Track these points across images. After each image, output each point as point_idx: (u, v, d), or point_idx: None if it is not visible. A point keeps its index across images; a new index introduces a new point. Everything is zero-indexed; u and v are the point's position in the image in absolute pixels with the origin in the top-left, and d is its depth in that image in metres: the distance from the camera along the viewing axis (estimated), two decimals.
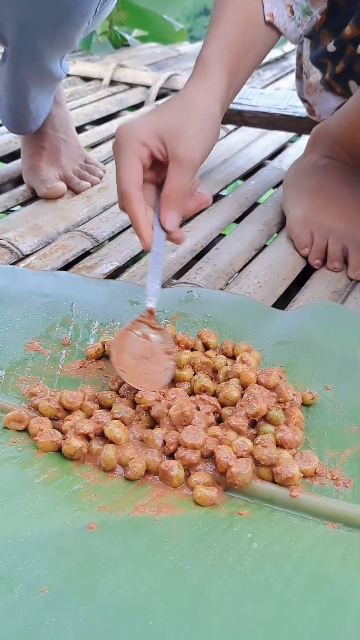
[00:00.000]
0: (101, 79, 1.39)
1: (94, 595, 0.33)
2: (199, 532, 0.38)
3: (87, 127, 1.17)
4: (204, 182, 0.95)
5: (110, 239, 0.81)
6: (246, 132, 1.13)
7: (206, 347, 0.54)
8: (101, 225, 0.82)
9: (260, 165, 1.04)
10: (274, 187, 0.96)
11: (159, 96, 1.32)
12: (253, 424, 0.46)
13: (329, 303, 0.65)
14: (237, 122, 1.04)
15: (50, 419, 0.46)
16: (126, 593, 0.34)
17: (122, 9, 1.71)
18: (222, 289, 0.70)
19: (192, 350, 0.54)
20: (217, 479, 0.43)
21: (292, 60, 1.67)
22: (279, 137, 1.12)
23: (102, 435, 0.45)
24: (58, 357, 0.54)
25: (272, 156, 1.08)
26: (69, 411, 0.47)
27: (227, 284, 0.72)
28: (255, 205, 0.91)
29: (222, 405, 0.48)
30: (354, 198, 0.77)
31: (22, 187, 0.91)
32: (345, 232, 0.74)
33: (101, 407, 0.48)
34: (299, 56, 0.88)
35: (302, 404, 0.50)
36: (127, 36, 1.81)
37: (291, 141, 1.13)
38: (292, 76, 1.49)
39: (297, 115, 0.97)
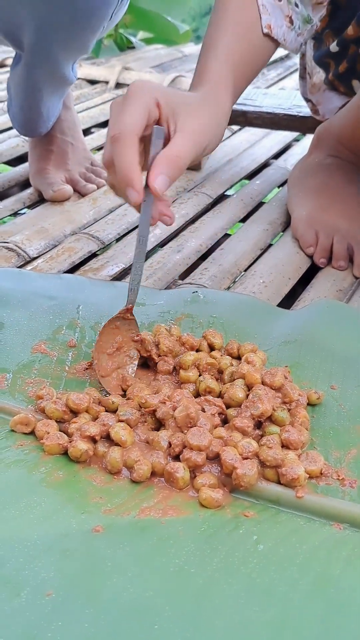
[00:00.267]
0: (107, 82, 1.40)
1: (99, 599, 0.34)
2: (204, 534, 0.38)
3: (93, 130, 1.18)
4: (209, 182, 0.95)
5: (116, 241, 0.81)
6: (251, 132, 1.13)
7: (211, 348, 0.54)
8: (107, 227, 0.82)
9: (265, 165, 1.04)
10: (278, 187, 0.96)
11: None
12: (258, 424, 0.46)
13: (334, 302, 0.65)
14: (241, 123, 1.04)
15: (56, 421, 0.47)
16: (131, 596, 0.34)
17: (127, 11, 1.72)
18: (227, 289, 0.70)
19: (197, 351, 0.54)
20: (222, 480, 0.43)
21: (296, 59, 1.66)
22: (283, 136, 1.12)
23: (108, 438, 0.45)
24: (64, 359, 0.54)
25: (277, 155, 1.08)
26: (75, 413, 0.47)
27: (232, 284, 0.72)
28: (260, 204, 0.91)
29: (228, 406, 0.48)
30: (359, 197, 0.77)
31: (29, 190, 0.91)
32: (350, 230, 0.74)
33: (106, 410, 0.48)
34: (302, 56, 0.88)
35: (308, 404, 0.50)
36: (132, 38, 1.81)
37: (296, 140, 1.13)
38: (297, 75, 1.49)
39: (301, 114, 0.97)
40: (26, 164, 0.95)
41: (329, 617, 0.33)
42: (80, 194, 0.90)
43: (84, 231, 0.81)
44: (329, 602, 0.34)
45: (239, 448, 0.43)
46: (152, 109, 0.48)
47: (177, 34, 1.81)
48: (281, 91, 1.14)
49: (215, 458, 0.43)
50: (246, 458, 0.43)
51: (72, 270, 0.74)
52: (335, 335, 0.58)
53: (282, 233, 0.83)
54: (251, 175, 1.00)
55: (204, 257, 0.78)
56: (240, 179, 0.98)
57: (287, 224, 0.84)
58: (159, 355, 0.52)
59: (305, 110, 0.97)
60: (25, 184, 0.95)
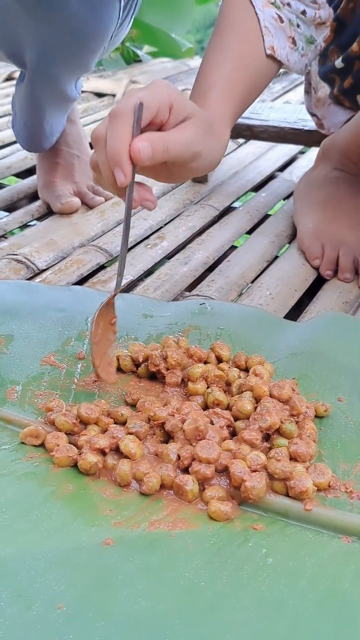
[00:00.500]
0: (114, 95, 1.41)
1: (110, 612, 0.34)
2: (213, 547, 0.39)
3: None
4: (215, 195, 0.96)
5: None
6: (256, 145, 1.14)
7: (219, 360, 0.55)
8: (115, 239, 0.83)
9: (270, 177, 1.05)
10: (284, 199, 0.96)
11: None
12: (266, 437, 0.46)
13: (341, 314, 0.65)
14: (247, 137, 1.05)
15: (66, 434, 0.47)
16: (142, 610, 0.34)
17: (133, 26, 1.75)
18: (234, 301, 0.70)
19: (205, 363, 0.54)
20: (231, 493, 0.43)
21: None
22: (289, 149, 1.12)
23: (117, 450, 0.45)
24: (73, 371, 0.55)
25: (282, 168, 1.08)
26: (85, 424, 0.47)
27: (239, 296, 0.72)
28: (266, 217, 0.91)
29: (236, 419, 0.48)
30: None
31: (37, 203, 0.92)
32: (356, 243, 0.74)
33: (115, 422, 0.49)
34: (308, 72, 0.89)
35: (315, 416, 0.50)
36: (138, 52, 1.83)
37: (301, 152, 1.14)
38: (302, 88, 1.50)
39: (306, 128, 0.98)
40: (34, 177, 0.96)
41: (339, 631, 0.33)
42: (88, 206, 0.91)
43: (92, 243, 0.82)
44: (338, 616, 0.34)
45: (247, 461, 0.43)
46: (163, 109, 0.46)
47: (180, 50, 1.84)
48: (287, 105, 1.15)
49: (224, 471, 0.44)
50: (255, 471, 0.43)
51: (81, 282, 0.74)
52: (342, 347, 0.58)
53: (288, 245, 0.83)
54: (257, 188, 1.01)
55: (210, 269, 0.78)
56: (246, 192, 0.99)
57: (293, 236, 0.84)
58: (167, 369, 0.53)
59: (310, 124, 0.98)
60: (34, 197, 0.96)
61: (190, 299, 0.68)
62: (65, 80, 0.77)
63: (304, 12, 0.60)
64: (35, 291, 0.66)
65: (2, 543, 0.38)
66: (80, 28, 0.68)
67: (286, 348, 0.58)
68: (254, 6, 0.58)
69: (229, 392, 0.52)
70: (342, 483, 0.44)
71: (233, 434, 0.48)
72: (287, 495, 0.43)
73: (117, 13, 0.70)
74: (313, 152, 1.08)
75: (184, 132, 0.48)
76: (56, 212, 0.88)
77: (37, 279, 0.74)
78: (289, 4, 0.60)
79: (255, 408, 0.47)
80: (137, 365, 0.55)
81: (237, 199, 0.97)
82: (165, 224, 0.88)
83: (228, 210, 0.94)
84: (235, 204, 0.96)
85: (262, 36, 0.58)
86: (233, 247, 0.84)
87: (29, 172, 1.04)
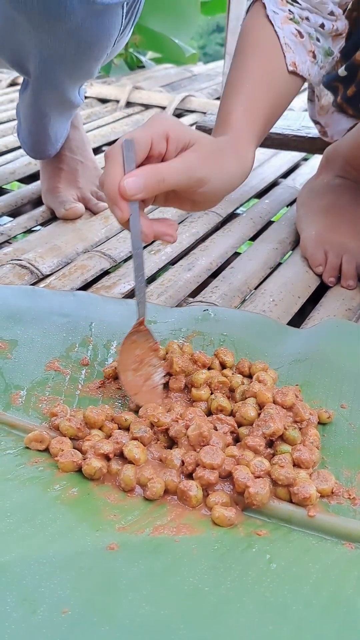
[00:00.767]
0: (117, 101, 1.42)
1: (115, 617, 0.34)
2: (217, 552, 0.39)
3: (104, 149, 1.20)
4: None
5: (128, 258, 0.82)
6: (259, 152, 1.14)
7: (223, 366, 0.55)
8: (119, 245, 0.83)
9: (273, 184, 1.05)
10: (287, 206, 0.97)
11: (175, 117, 1.35)
12: (270, 443, 0.47)
13: (344, 321, 0.65)
14: None
15: (70, 439, 0.47)
16: (146, 614, 0.34)
17: (137, 32, 1.76)
18: (237, 308, 0.71)
19: (209, 369, 0.54)
20: (235, 499, 0.43)
21: None
22: (292, 156, 1.13)
23: (121, 456, 0.46)
24: (77, 377, 0.55)
25: (285, 175, 1.09)
26: (91, 426, 0.48)
27: (242, 302, 0.73)
28: (269, 223, 0.92)
29: (239, 425, 0.48)
30: None
31: (41, 208, 0.93)
32: (359, 250, 0.75)
33: (119, 427, 0.49)
34: None
35: (319, 423, 0.50)
36: (142, 58, 1.85)
37: (304, 159, 1.15)
38: (304, 95, 1.51)
39: (309, 136, 0.99)
40: (38, 182, 0.97)
41: (342, 637, 0.33)
42: (92, 212, 0.91)
43: (96, 249, 0.82)
44: (342, 622, 0.34)
45: (251, 467, 0.43)
46: (158, 140, 0.47)
47: (184, 56, 1.85)
48: (290, 112, 1.16)
49: (228, 476, 0.44)
50: (258, 477, 0.43)
51: (85, 287, 0.75)
52: (345, 354, 0.58)
53: (291, 252, 0.84)
54: (260, 194, 1.02)
55: (214, 275, 0.79)
56: (250, 198, 1.00)
57: (296, 243, 0.85)
58: (171, 375, 0.53)
59: (313, 131, 0.98)
60: (38, 202, 0.96)
61: (194, 305, 0.69)
62: (69, 87, 0.78)
63: (322, 25, 0.61)
64: (40, 296, 0.67)
65: (7, 547, 0.38)
66: (84, 38, 0.69)
67: (289, 355, 0.58)
68: (272, 24, 0.58)
69: (232, 398, 0.52)
70: (345, 489, 0.44)
71: (237, 440, 0.48)
72: (291, 501, 0.43)
73: (120, 20, 0.71)
74: (316, 160, 1.08)
75: (181, 160, 0.48)
76: (60, 217, 0.89)
77: (41, 285, 0.74)
78: (307, 18, 0.60)
79: (259, 414, 0.48)
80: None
81: (241, 205, 0.97)
82: None
83: (231, 216, 0.94)
84: (239, 211, 0.97)
85: (283, 53, 0.58)
86: (236, 254, 0.84)
87: (32, 177, 1.05)
